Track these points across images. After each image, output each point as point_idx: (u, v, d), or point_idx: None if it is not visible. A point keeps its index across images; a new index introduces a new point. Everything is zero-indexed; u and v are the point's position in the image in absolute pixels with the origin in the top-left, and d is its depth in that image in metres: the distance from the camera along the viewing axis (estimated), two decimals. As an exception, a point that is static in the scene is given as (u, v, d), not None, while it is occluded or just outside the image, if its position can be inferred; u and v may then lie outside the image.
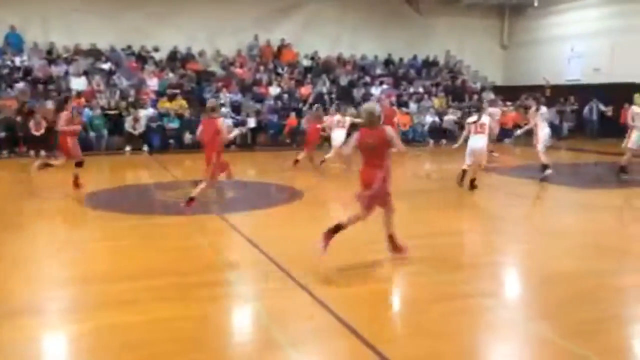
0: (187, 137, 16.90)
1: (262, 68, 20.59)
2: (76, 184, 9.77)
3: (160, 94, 18.08)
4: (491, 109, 14.54)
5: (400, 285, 5.37)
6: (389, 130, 5.52)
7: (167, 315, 4.29)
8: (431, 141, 18.90)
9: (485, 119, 9.71)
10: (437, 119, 19.71)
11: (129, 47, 19.74)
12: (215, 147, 7.72)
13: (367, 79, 21.24)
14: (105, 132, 16.25)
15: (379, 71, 22.10)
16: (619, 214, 8.47)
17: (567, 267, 5.48)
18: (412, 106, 20.22)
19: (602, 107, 20.16)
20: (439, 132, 19.32)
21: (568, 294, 4.78)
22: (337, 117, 12.87)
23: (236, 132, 9.99)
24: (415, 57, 23.29)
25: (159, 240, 6.59)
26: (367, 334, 3.89)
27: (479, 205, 9.33)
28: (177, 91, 18.10)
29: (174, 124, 17.01)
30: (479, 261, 5.72)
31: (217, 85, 18.92)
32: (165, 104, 17.50)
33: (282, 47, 21.47)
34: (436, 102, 20.80)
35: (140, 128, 16.38)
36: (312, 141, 13.09)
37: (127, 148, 16.13)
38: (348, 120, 12.67)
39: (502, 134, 17.19)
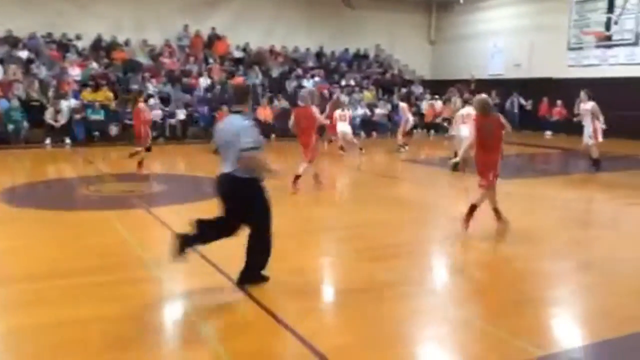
0: (113, 128, 16.31)
1: (192, 59, 20.15)
2: None
3: (83, 84, 17.31)
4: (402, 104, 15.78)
5: (327, 276, 5.43)
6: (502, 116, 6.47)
7: (86, 315, 4.13)
8: (362, 133, 19.17)
9: (471, 110, 10.00)
10: (368, 111, 20.02)
11: (49, 34, 18.76)
12: (312, 132, 8.84)
13: (299, 71, 21.25)
14: (24, 124, 15.40)
15: (310, 64, 22.16)
16: (534, 202, 8.93)
17: (486, 253, 5.74)
18: (344, 99, 20.39)
19: (522, 101, 21.16)
20: (370, 125, 19.64)
21: (487, 279, 5.01)
22: (339, 112, 14.17)
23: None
24: (346, 50, 23.53)
25: (80, 237, 6.33)
26: (295, 326, 3.92)
27: (405, 195, 9.57)
28: (103, 81, 17.39)
29: (99, 116, 16.36)
30: (403, 250, 5.87)
31: (144, 76, 18.34)
32: (89, 95, 16.78)
33: (214, 38, 21.08)
34: (367, 95, 21.12)
35: (62, 120, 15.64)
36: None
37: (48, 141, 15.36)
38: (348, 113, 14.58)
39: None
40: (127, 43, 19.57)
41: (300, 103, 9.55)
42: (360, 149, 13.72)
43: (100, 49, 19.16)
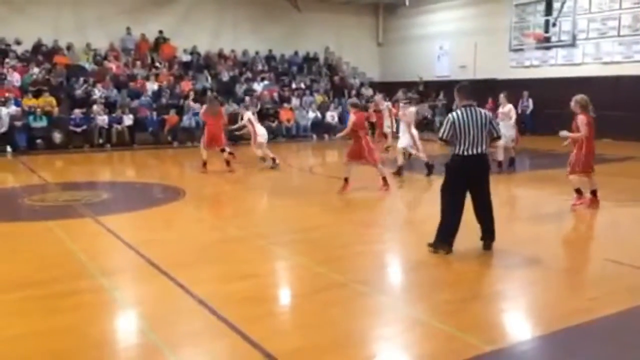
0: (57, 136, 15.78)
1: (138, 63, 19.71)
2: None
3: (24, 90, 16.67)
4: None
5: (279, 279, 5.42)
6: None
7: (31, 330, 3.98)
8: (314, 136, 19.24)
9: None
10: (319, 114, 20.10)
11: (-14, 38, 17.98)
12: (366, 133, 9.32)
13: (249, 74, 21.14)
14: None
15: (260, 67, 22.07)
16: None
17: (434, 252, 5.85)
18: (294, 102, 20.44)
19: (469, 102, 21.69)
20: (321, 127, 19.73)
21: (435, 277, 5.11)
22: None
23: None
24: (296, 53, 23.56)
25: (21, 249, 6.08)
26: (248, 331, 3.89)
27: (354, 197, 9.65)
28: (44, 87, 16.79)
29: (42, 123, 15.79)
30: (354, 251, 5.92)
31: (88, 81, 17.81)
32: (30, 101, 16.17)
33: (161, 41, 20.70)
34: (318, 98, 21.20)
35: (2, 127, 15.01)
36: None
37: (-13, 149, 14.73)
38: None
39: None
40: (69, 47, 18.97)
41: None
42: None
43: (41, 53, 18.51)
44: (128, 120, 16.81)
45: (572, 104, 7.79)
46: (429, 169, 10.82)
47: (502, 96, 11.54)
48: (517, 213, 8.19)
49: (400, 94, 17.89)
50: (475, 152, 5.48)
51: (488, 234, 5.76)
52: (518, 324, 4.28)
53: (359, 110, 9.52)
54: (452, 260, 5.56)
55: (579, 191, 7.87)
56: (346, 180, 9.27)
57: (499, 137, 5.78)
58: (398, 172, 10.87)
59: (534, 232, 6.86)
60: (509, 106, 11.32)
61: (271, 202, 9.30)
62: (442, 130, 5.59)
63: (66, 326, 4.05)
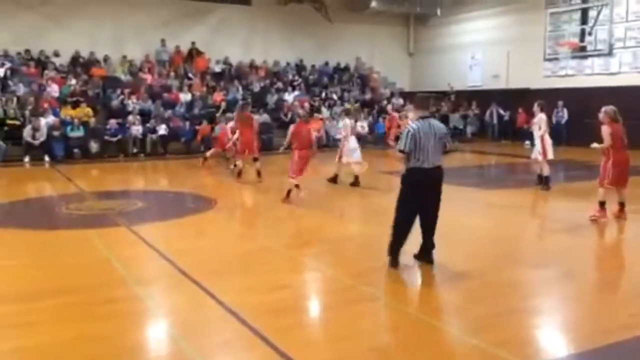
0: (93, 145, 16.17)
1: (172, 74, 20.09)
2: None
3: (62, 101, 17.15)
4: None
5: (310, 290, 5.41)
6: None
7: (67, 336, 4.06)
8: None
9: None
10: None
11: (27, 51, 18.59)
12: (301, 146, 9.39)
13: (280, 84, 21.30)
14: (2, 142, 15.19)
15: (291, 77, 22.23)
16: (514, 211, 9.01)
17: (466, 265, 5.76)
18: (325, 112, 20.48)
19: (501, 112, 21.44)
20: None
21: (468, 291, 5.03)
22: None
23: None
24: (326, 64, 23.66)
25: (60, 257, 6.24)
26: (279, 342, 3.89)
27: (382, 207, 9.58)
28: (82, 98, 17.24)
29: (78, 133, 16.20)
30: (385, 263, 5.87)
31: (124, 92, 18.23)
32: (68, 112, 16.62)
33: (194, 53, 21.06)
34: (349, 107, 21.14)
35: (41, 137, 15.44)
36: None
37: (26, 159, 15.15)
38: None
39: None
40: (105, 59, 19.47)
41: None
42: None
43: (79, 65, 19.05)
44: (162, 130, 17.12)
45: (601, 115, 7.71)
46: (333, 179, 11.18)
47: (535, 105, 11.10)
48: (552, 225, 8.01)
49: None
50: (431, 164, 5.35)
51: (428, 255, 5.62)
52: (554, 340, 4.17)
53: (302, 121, 9.77)
54: (485, 274, 5.46)
55: (602, 204, 7.67)
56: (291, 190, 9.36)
57: (450, 151, 5.56)
58: (354, 183, 10.97)
59: (569, 245, 6.70)
60: (539, 116, 10.47)
61: (302, 212, 9.31)
62: (402, 143, 5.41)
63: (101, 334, 4.12)
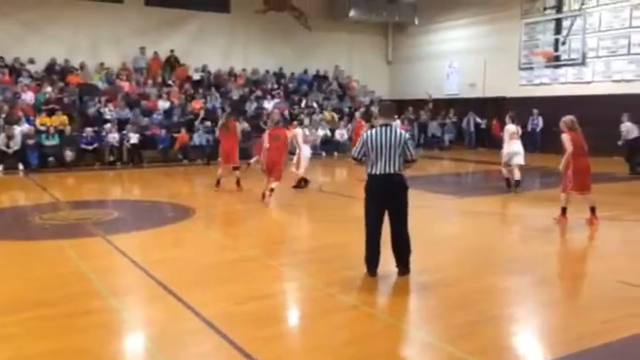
0: (68, 154, 15.93)
1: (150, 82, 19.94)
2: None
3: (37, 109, 16.89)
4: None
5: (290, 300, 5.39)
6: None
7: (42, 349, 3.98)
8: (323, 153, 19.26)
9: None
10: (328, 132, 20.16)
11: (1, 58, 18.28)
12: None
13: (259, 92, 21.29)
14: (-28, 150, 14.91)
15: (270, 85, 22.23)
16: (490, 219, 9.12)
17: (444, 272, 5.81)
18: (304, 120, 20.47)
19: (478, 120, 21.73)
20: (331, 145, 19.77)
21: (446, 299, 5.06)
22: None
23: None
24: (306, 72, 23.72)
25: (33, 268, 6.12)
26: (257, 353, 3.87)
27: (361, 215, 9.61)
28: (57, 106, 17.00)
29: (53, 141, 15.96)
30: (361, 272, 5.88)
31: (101, 100, 18.04)
32: (43, 120, 16.36)
33: (173, 61, 20.94)
34: (327, 115, 21.28)
35: (15, 146, 15.19)
36: None
37: (0, 167, 14.87)
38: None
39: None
40: (82, 66, 19.25)
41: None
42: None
43: (55, 72, 18.80)
44: (134, 138, 16.88)
45: (560, 124, 8.10)
46: (300, 183, 11.64)
47: (507, 116, 11.47)
48: (527, 233, 8.11)
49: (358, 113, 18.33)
50: (384, 171, 5.34)
51: (400, 265, 5.60)
52: (529, 347, 4.22)
53: (272, 126, 10.35)
54: (462, 282, 5.51)
55: (563, 210, 8.09)
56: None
57: (413, 161, 5.49)
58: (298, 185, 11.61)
59: (543, 252, 6.80)
60: (507, 127, 11.12)
61: (281, 220, 9.30)
62: (354, 150, 5.56)
63: (76, 347, 4.05)
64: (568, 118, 8.06)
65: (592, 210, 8.01)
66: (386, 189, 5.41)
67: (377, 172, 5.38)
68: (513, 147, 10.93)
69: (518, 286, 5.49)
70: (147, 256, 6.52)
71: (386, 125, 5.47)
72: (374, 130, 5.49)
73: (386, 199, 5.44)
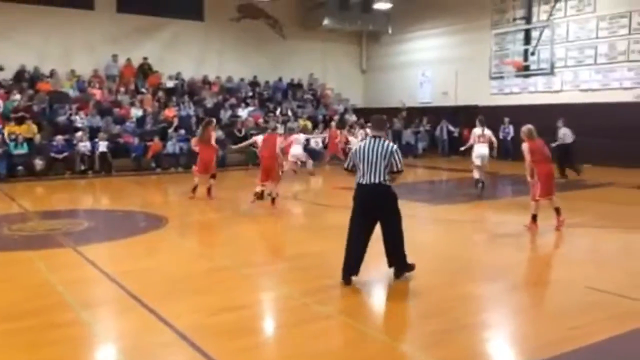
0: (38, 162, 15.61)
1: (122, 89, 19.70)
2: None
3: (6, 117, 16.52)
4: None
5: (265, 310, 5.37)
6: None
7: (8, 366, 3.89)
8: (299, 162, 19.22)
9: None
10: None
11: (-32, 65, 17.88)
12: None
13: (234, 100, 21.21)
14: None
15: (244, 93, 22.18)
16: (462, 226, 9.23)
17: (418, 280, 5.85)
18: (279, 128, 20.45)
19: (451, 128, 22.01)
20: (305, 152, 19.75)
21: (420, 307, 5.10)
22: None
23: None
24: (280, 80, 23.74)
25: (0, 281, 5.96)
26: (231, 365, 3.84)
27: (342, 223, 9.64)
28: (27, 114, 16.65)
29: (22, 150, 15.63)
30: (339, 280, 5.88)
31: (71, 107, 17.74)
32: (12, 128, 16.00)
33: (146, 69, 20.73)
34: (301, 123, 21.29)
35: (-18, 155, 14.83)
36: None
37: (-34, 177, 14.51)
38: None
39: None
40: (52, 74, 18.91)
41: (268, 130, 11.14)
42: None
43: (24, 80, 18.43)
44: (103, 146, 16.59)
45: (521, 134, 8.43)
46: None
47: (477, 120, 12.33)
48: (499, 240, 8.24)
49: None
50: (370, 181, 5.50)
51: (394, 269, 5.80)
52: (500, 354, 4.28)
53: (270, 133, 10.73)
54: (437, 290, 5.56)
55: (534, 217, 8.30)
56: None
57: (399, 171, 5.61)
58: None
59: (516, 260, 6.91)
60: (473, 130, 12.18)
61: (256, 229, 9.25)
62: (346, 161, 5.91)
63: (47, 361, 3.96)
64: (526, 128, 8.30)
65: (557, 210, 8.29)
66: (372, 197, 5.56)
67: (365, 182, 5.55)
68: (479, 150, 11.85)
69: (490, 293, 5.57)
70: (118, 267, 6.42)
71: (376, 137, 5.66)
72: (364, 142, 5.73)
73: (373, 208, 5.59)
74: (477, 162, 11.88)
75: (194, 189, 11.40)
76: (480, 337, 4.51)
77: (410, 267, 5.83)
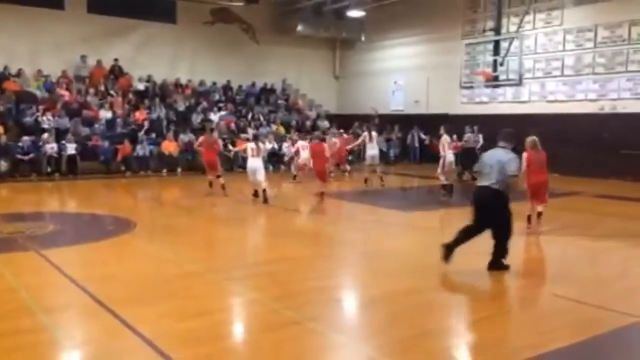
0: (3, 164, 15.21)
1: (92, 91, 19.36)
2: None
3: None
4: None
5: (233, 316, 5.32)
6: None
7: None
8: (271, 167, 19.18)
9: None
10: (275, 145, 20.12)
11: None
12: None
13: (205, 104, 21.05)
14: None
15: (217, 97, 22.03)
16: (434, 234, 9.31)
17: (389, 287, 5.88)
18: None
19: (422, 135, 22.22)
20: (278, 158, 19.73)
21: (388, 313, 5.12)
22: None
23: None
24: (253, 84, 23.66)
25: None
26: (197, 371, 3.78)
27: (313, 229, 9.65)
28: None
29: (-14, 151, 15.20)
30: (309, 286, 5.88)
31: (39, 108, 17.34)
32: (-24, 129, 15.58)
33: (116, 69, 20.42)
34: (280, 129, 21.26)
35: (-57, 155, 14.37)
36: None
37: None
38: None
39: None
40: (19, 73, 18.46)
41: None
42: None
43: (-11, 79, 17.96)
44: (71, 149, 16.27)
45: (526, 144, 8.86)
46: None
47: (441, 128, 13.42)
48: (466, 247, 8.32)
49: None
50: (481, 184, 6.42)
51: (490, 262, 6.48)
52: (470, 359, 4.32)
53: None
54: (406, 296, 5.59)
55: (529, 217, 8.89)
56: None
57: (514, 176, 6.33)
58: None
59: (484, 267, 6.98)
60: (442, 138, 13.15)
61: (225, 234, 9.17)
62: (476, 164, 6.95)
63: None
64: (530, 139, 8.84)
65: (532, 217, 8.85)
66: (479, 198, 6.41)
67: (477, 184, 6.57)
68: (450, 157, 12.90)
69: (460, 300, 5.63)
70: (84, 272, 6.28)
71: (502, 147, 6.49)
72: (490, 150, 6.63)
73: (482, 207, 6.38)
74: (448, 167, 12.79)
75: (210, 184, 12.68)
76: (447, 343, 4.55)
77: (505, 266, 6.43)
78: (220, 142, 14.16)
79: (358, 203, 12.13)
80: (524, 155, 8.62)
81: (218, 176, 12.72)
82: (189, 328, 4.64)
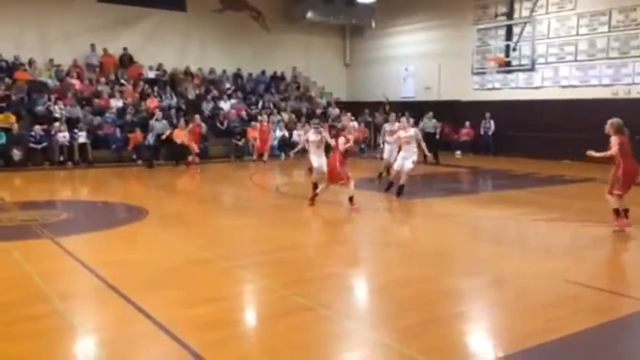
0: (16, 153, 15.36)
1: (102, 79, 19.43)
2: None
3: (-18, 106, 16.20)
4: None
5: (244, 302, 5.36)
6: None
7: (-17, 357, 3.83)
8: (282, 154, 19.21)
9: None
10: (286, 133, 20.12)
11: (-57, 53, 17.47)
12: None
13: (216, 92, 21.06)
14: None
15: (227, 85, 22.03)
16: (445, 220, 9.30)
17: (399, 274, 5.89)
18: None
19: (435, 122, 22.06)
20: (288, 146, 19.72)
21: (399, 300, 5.13)
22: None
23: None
24: (263, 72, 23.61)
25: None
26: (211, 357, 3.82)
27: (323, 217, 9.66)
28: (4, 104, 16.34)
29: (0, 140, 15.35)
30: (320, 273, 5.90)
31: (50, 97, 17.46)
32: (-10, 118, 15.72)
33: (127, 59, 20.47)
34: (285, 116, 21.24)
35: (-42, 144, 14.54)
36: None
37: (-59, 167, 14.22)
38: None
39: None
40: (30, 63, 18.58)
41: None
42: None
43: (1, 69, 18.07)
44: (82, 137, 16.39)
45: (607, 126, 7.98)
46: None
47: (404, 118, 12.17)
48: (478, 234, 8.32)
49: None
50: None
51: None
52: (478, 346, 4.32)
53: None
54: (417, 283, 5.60)
55: (616, 211, 7.91)
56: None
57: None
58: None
59: (495, 253, 6.97)
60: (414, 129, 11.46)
61: (237, 222, 9.21)
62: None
63: (20, 354, 3.90)
64: (616, 120, 7.91)
65: (625, 212, 7.87)
66: None
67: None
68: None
69: (470, 287, 5.62)
70: (97, 258, 6.35)
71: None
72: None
73: None
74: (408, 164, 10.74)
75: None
76: (458, 329, 4.55)
77: None
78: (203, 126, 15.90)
79: (369, 190, 12.11)
80: (615, 138, 7.77)
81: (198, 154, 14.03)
82: (202, 314, 4.68)
